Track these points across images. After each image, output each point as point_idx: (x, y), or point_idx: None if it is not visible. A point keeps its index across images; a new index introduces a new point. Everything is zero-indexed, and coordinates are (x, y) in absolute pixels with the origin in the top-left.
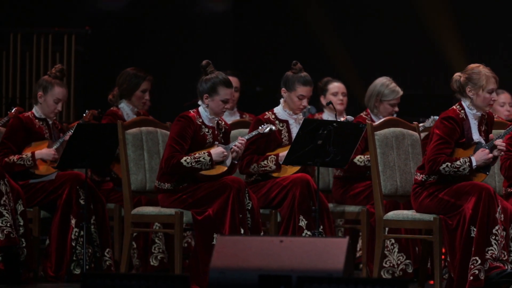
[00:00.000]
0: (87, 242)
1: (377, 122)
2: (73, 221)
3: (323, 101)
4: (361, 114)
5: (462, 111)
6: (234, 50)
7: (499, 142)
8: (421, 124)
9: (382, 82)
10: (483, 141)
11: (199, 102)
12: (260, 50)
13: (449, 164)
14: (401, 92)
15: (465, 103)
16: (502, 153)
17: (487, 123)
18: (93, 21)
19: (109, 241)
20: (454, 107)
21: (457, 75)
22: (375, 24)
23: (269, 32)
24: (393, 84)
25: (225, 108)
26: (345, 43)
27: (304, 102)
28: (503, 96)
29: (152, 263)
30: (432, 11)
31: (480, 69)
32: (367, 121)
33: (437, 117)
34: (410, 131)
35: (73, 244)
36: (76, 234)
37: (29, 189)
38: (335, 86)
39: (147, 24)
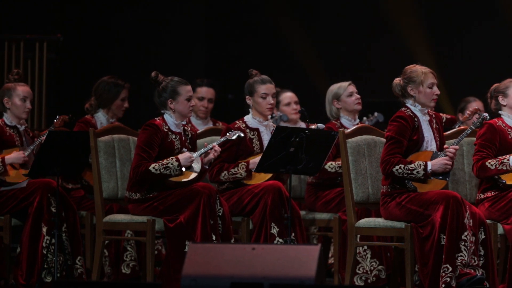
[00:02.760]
0: (59, 250)
1: (346, 125)
2: (44, 229)
3: (276, 112)
4: (332, 120)
5: (408, 110)
6: (206, 57)
7: (450, 149)
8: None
9: (328, 90)
10: (431, 138)
11: (163, 111)
12: (232, 57)
13: (403, 166)
14: (348, 82)
15: (409, 103)
16: (451, 154)
17: (437, 122)
18: (65, 28)
19: (81, 249)
20: (400, 109)
21: (396, 79)
22: (348, 32)
23: (241, 40)
24: (337, 83)
25: (191, 107)
26: (316, 50)
27: (270, 100)
28: (475, 104)
29: (124, 271)
30: (404, 20)
31: (416, 68)
32: (337, 126)
33: None
34: (382, 139)
35: (44, 252)
36: (48, 242)
37: (0, 197)
38: (287, 96)
39: (119, 31)
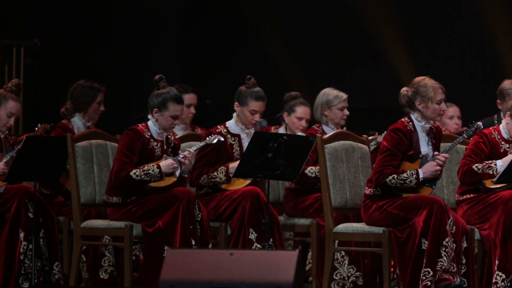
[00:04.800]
0: (36, 256)
1: (328, 133)
2: (21, 235)
3: (286, 117)
4: (313, 126)
5: (410, 123)
6: (184, 63)
7: (440, 157)
8: (371, 138)
9: (325, 91)
10: (430, 154)
11: (149, 116)
12: (210, 63)
13: (396, 176)
14: (345, 95)
15: (414, 116)
16: (441, 162)
17: (435, 136)
18: (42, 33)
19: (58, 254)
20: (402, 119)
21: (404, 90)
22: (326, 39)
23: (219, 45)
24: (336, 90)
25: (174, 124)
26: (295, 57)
27: (256, 117)
28: (452, 110)
29: (101, 276)
30: (381, 25)
31: (426, 82)
32: (318, 132)
33: None
34: (360, 144)
35: (22, 258)
36: (25, 247)
37: None
38: (302, 111)
39: (97, 36)
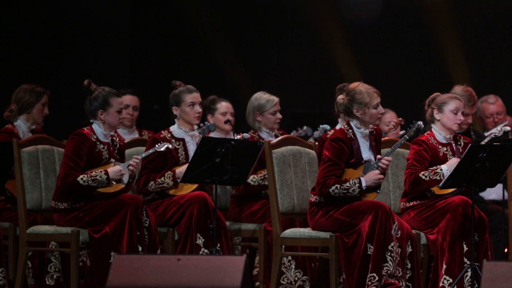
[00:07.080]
0: None
1: (265, 138)
2: None
3: (211, 120)
4: (249, 132)
5: (350, 130)
6: (131, 67)
7: (383, 161)
8: (310, 138)
9: (255, 96)
10: (373, 159)
11: (92, 121)
12: (157, 67)
13: (339, 186)
14: (277, 99)
15: (353, 123)
16: (384, 166)
17: (376, 138)
18: None
19: (3, 260)
20: (342, 127)
21: (340, 98)
22: (273, 43)
23: (167, 50)
24: (267, 94)
25: (121, 118)
26: (242, 62)
27: (198, 109)
28: (388, 115)
29: (47, 283)
30: (327, 29)
31: (360, 88)
32: (255, 139)
33: (326, 126)
34: (307, 149)
35: None
36: None
37: None
38: (224, 106)
39: (42, 40)
